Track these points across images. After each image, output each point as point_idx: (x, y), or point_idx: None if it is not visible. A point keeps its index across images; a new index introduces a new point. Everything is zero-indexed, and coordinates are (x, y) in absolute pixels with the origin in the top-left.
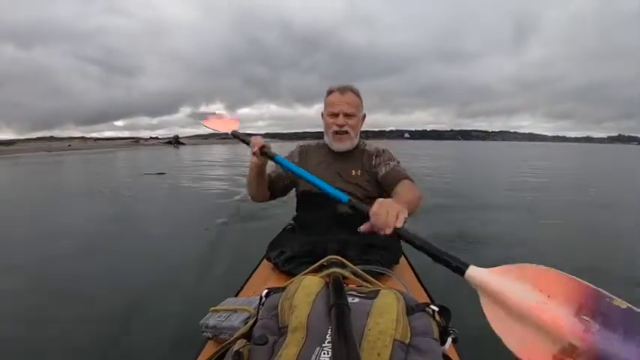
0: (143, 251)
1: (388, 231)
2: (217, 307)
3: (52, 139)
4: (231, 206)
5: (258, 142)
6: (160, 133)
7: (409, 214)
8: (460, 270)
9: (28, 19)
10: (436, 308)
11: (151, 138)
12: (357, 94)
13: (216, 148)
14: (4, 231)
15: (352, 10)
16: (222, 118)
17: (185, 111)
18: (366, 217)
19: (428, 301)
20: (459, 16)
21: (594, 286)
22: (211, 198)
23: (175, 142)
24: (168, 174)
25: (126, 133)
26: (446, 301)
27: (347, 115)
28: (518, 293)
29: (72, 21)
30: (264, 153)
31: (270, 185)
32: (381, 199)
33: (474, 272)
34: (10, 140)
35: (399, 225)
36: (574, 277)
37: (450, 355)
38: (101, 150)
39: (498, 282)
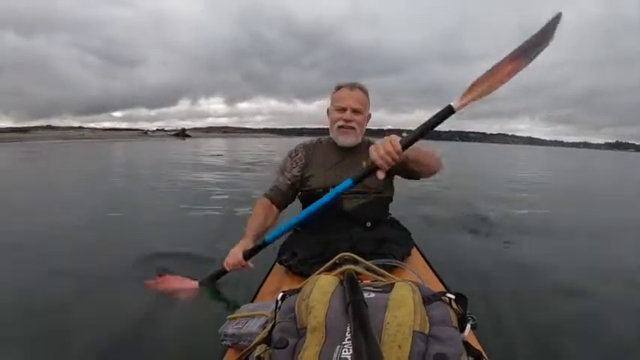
0: (150, 266)
1: (394, 155)
2: (234, 315)
3: (49, 127)
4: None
5: (235, 263)
6: (159, 124)
7: (423, 162)
8: (449, 111)
9: (30, 6)
10: (452, 296)
11: (158, 130)
12: (365, 92)
13: (219, 141)
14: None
15: (356, 9)
16: (177, 279)
17: (184, 103)
18: (374, 168)
19: (443, 290)
20: (462, 18)
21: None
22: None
23: (182, 134)
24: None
25: (124, 124)
26: (461, 289)
27: (354, 111)
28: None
29: (74, 10)
30: (249, 256)
31: (283, 201)
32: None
33: (456, 101)
34: (24, 127)
35: (397, 145)
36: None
37: (471, 342)
38: (113, 139)
39: (470, 93)
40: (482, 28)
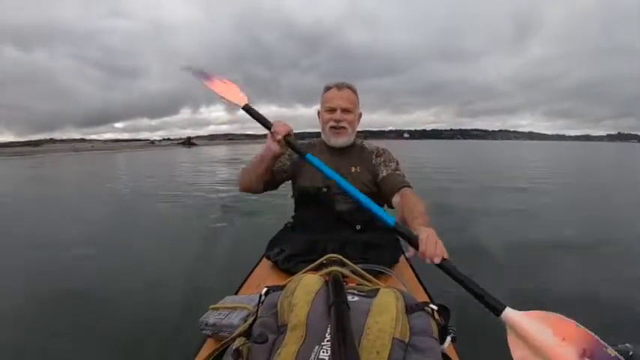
0: (143, 249)
1: (437, 260)
2: (217, 305)
3: (52, 141)
4: (230, 203)
5: (283, 128)
6: (161, 134)
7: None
8: (496, 310)
9: (30, 20)
10: (435, 307)
11: (164, 139)
12: (354, 91)
13: (224, 147)
14: None
15: (353, 10)
16: (228, 84)
17: (185, 112)
18: (414, 244)
19: (427, 300)
20: (460, 15)
21: (596, 337)
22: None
23: (188, 142)
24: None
25: (125, 135)
26: (445, 301)
27: (344, 111)
28: (541, 335)
29: (73, 23)
30: (289, 142)
31: (269, 178)
32: (424, 229)
33: (509, 314)
34: (37, 141)
35: (446, 256)
36: (584, 327)
37: (449, 354)
38: (124, 150)
39: (528, 324)
40: (479, 22)
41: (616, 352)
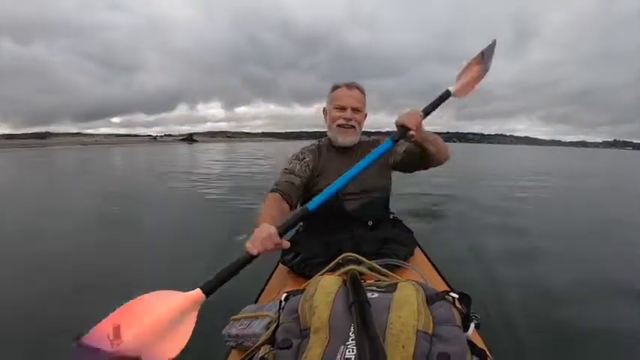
0: (148, 268)
1: (419, 118)
2: (238, 316)
3: (47, 134)
4: (237, 211)
5: (268, 241)
6: (157, 130)
7: (439, 144)
8: (447, 95)
9: (28, 14)
10: (456, 295)
11: (166, 135)
12: (362, 91)
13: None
14: None
15: (353, 11)
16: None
17: (182, 108)
18: (405, 130)
19: (447, 289)
20: (459, 18)
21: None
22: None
23: (190, 139)
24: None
25: (122, 130)
26: (465, 288)
27: (354, 110)
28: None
29: (72, 17)
30: (285, 231)
31: (293, 197)
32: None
33: (454, 88)
34: (44, 133)
35: (418, 110)
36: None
37: (475, 341)
38: (128, 144)
39: (463, 82)
40: (479, 26)
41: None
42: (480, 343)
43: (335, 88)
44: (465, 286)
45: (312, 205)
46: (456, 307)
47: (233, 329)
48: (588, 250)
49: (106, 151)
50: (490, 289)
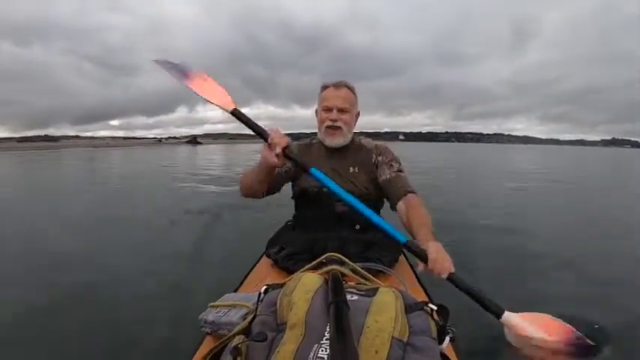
0: (142, 243)
1: (444, 275)
2: (216, 303)
3: (46, 137)
4: (231, 200)
5: (281, 140)
6: (156, 132)
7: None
8: (497, 314)
9: (27, 16)
10: (434, 307)
11: (170, 137)
12: (351, 90)
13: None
14: None
15: (353, 11)
16: (210, 83)
17: (182, 110)
18: (423, 259)
19: (426, 299)
20: (458, 18)
21: (577, 332)
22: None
23: (194, 141)
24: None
25: (120, 133)
26: (444, 301)
27: (340, 111)
28: (534, 332)
29: (72, 18)
30: (288, 156)
31: (272, 183)
32: (433, 244)
33: (508, 316)
34: (54, 137)
35: (452, 270)
36: (570, 325)
37: (448, 354)
38: (136, 146)
39: (522, 324)
40: (478, 26)
41: (589, 341)
42: (454, 357)
43: (324, 88)
44: (445, 299)
45: (315, 171)
46: (433, 318)
47: (210, 316)
48: (578, 272)
49: (122, 153)
50: (469, 303)
